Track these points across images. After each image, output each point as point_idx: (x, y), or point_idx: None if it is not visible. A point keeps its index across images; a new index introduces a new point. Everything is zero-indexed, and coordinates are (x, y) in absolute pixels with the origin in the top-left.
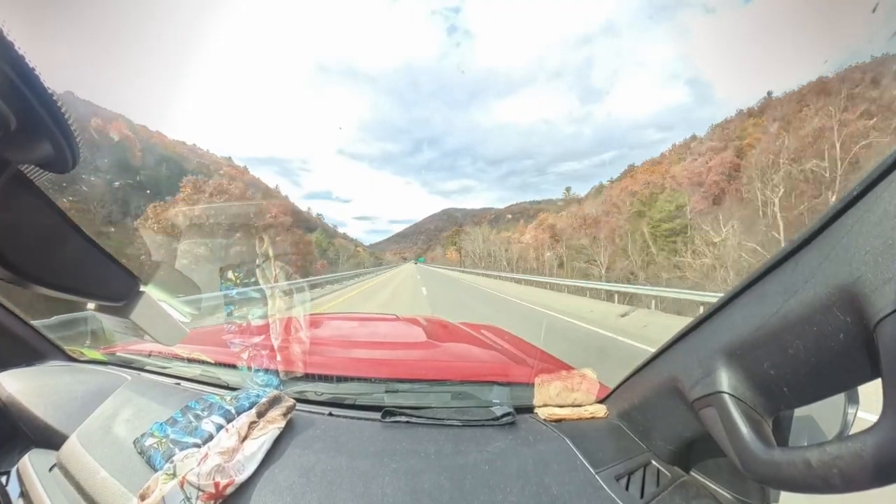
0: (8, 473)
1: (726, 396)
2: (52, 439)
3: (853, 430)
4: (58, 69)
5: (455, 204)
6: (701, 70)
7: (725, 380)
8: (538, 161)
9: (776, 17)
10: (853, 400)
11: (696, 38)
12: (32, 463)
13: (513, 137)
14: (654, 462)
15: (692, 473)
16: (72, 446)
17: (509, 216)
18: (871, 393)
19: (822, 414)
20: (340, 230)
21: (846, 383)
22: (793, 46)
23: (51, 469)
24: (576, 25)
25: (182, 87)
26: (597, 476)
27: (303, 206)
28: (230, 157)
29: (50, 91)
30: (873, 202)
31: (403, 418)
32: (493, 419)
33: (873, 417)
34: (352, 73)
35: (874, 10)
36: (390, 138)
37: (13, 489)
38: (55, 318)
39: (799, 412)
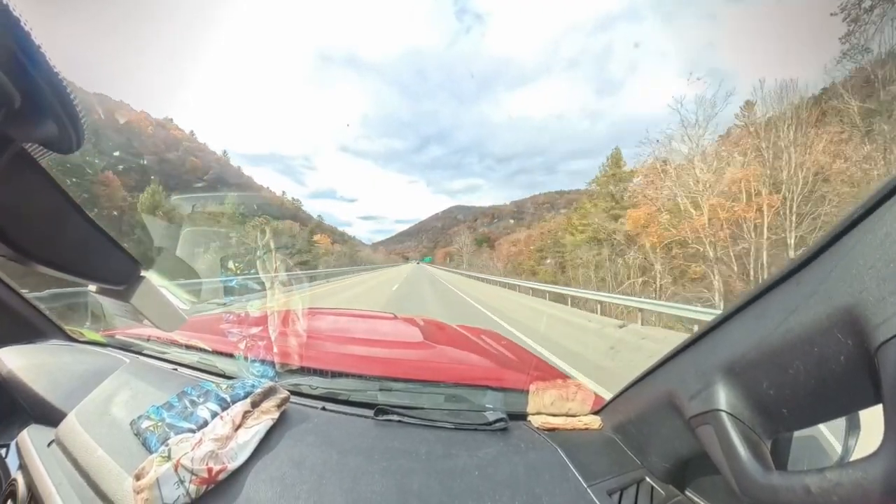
0: (7, 447)
1: (724, 415)
2: (50, 416)
3: (854, 457)
4: (58, 52)
5: (461, 202)
6: (724, 61)
7: (724, 397)
8: (548, 158)
9: (803, 6)
10: (854, 425)
11: (720, 25)
12: (31, 438)
13: (524, 133)
14: (647, 479)
15: (687, 493)
16: (70, 424)
17: (532, 210)
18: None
19: (823, 438)
20: (345, 230)
21: (847, 408)
22: (818, 38)
23: (49, 445)
24: (596, 8)
25: (177, 75)
26: (588, 490)
27: (305, 204)
28: (172, 119)
29: (55, 70)
30: (875, 224)
31: (396, 417)
32: (485, 424)
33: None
34: (354, 62)
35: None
36: (396, 134)
37: (12, 462)
38: (48, 292)
39: (798, 435)
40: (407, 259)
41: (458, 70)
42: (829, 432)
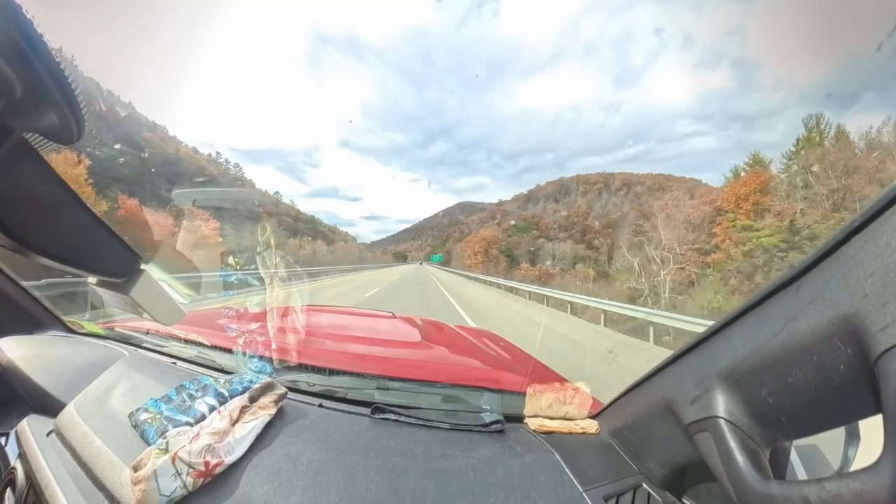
0: (6, 436)
1: (722, 422)
2: (49, 406)
3: (853, 467)
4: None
5: (468, 199)
6: (750, 49)
7: (722, 404)
8: (559, 155)
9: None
10: (853, 435)
11: (750, 9)
12: (30, 427)
13: (535, 127)
14: (644, 485)
15: (684, 501)
16: (69, 414)
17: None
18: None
19: (822, 447)
20: (347, 230)
21: (846, 417)
22: (851, 26)
23: (48, 434)
24: None
25: (166, 63)
26: (584, 494)
27: (307, 204)
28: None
29: (57, 60)
30: (874, 233)
31: (392, 416)
32: (481, 425)
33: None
34: (355, 45)
35: (878, 49)
36: (400, 127)
37: (11, 451)
38: (45, 281)
39: (797, 444)
40: (405, 259)
41: (467, 54)
42: (829, 442)
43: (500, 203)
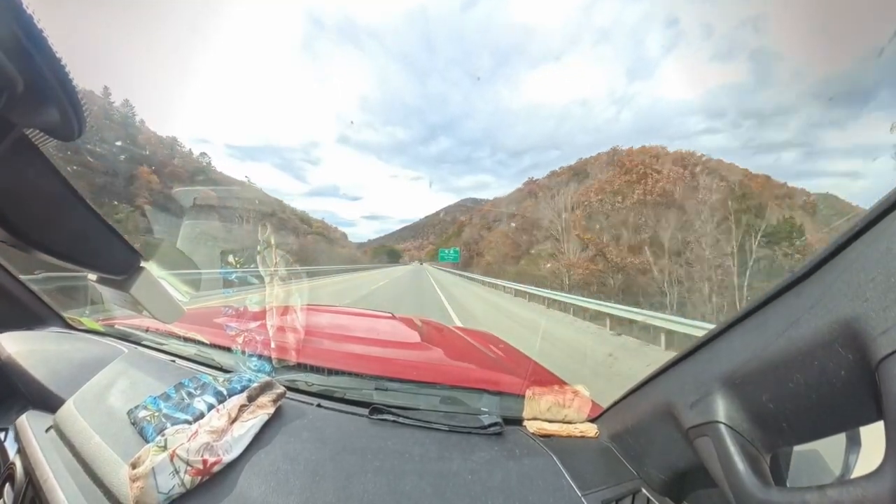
0: (6, 430)
1: (722, 427)
2: (48, 402)
3: (855, 474)
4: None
5: (472, 197)
6: (768, 40)
7: (722, 409)
8: (565, 152)
9: None
10: (854, 441)
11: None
12: (29, 423)
13: (541, 122)
14: (644, 490)
15: None
16: (68, 411)
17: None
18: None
19: (823, 453)
20: (347, 230)
21: (847, 423)
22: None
23: (47, 430)
24: None
25: (159, 58)
26: (583, 499)
27: (307, 205)
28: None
29: (58, 56)
30: (876, 236)
31: (390, 417)
32: (480, 427)
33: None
34: (352, 30)
35: (880, 55)
36: (401, 122)
37: (10, 446)
38: (42, 275)
39: (798, 450)
40: (398, 258)
41: (472, 41)
42: (830, 448)
43: (532, 181)
